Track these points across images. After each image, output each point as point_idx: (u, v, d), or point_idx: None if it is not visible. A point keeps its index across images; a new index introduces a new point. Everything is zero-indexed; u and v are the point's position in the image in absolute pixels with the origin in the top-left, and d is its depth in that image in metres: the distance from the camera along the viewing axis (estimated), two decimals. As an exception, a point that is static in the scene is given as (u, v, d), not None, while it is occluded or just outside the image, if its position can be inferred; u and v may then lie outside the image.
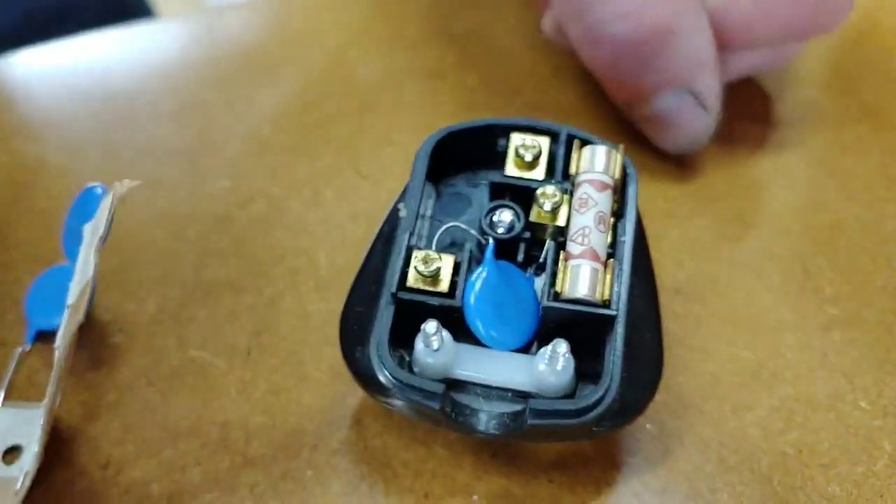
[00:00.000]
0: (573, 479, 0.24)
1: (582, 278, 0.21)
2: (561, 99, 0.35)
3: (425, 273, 0.22)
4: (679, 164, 0.33)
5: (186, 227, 0.30)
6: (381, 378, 0.22)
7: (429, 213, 0.25)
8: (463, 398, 0.22)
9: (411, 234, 0.23)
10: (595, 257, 0.22)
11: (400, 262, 0.22)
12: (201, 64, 0.36)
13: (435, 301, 0.22)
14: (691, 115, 0.30)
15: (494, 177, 0.24)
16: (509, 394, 0.22)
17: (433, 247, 0.24)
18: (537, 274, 0.24)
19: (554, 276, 0.22)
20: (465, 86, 0.35)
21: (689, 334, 0.28)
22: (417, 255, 0.22)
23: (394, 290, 0.22)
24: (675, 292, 0.29)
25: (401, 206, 0.24)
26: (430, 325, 0.21)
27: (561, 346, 0.21)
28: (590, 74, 0.32)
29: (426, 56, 0.36)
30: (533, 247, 0.24)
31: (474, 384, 0.22)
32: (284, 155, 0.32)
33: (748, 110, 0.35)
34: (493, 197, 0.25)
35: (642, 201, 0.31)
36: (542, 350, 0.21)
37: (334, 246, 0.29)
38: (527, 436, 0.22)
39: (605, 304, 0.22)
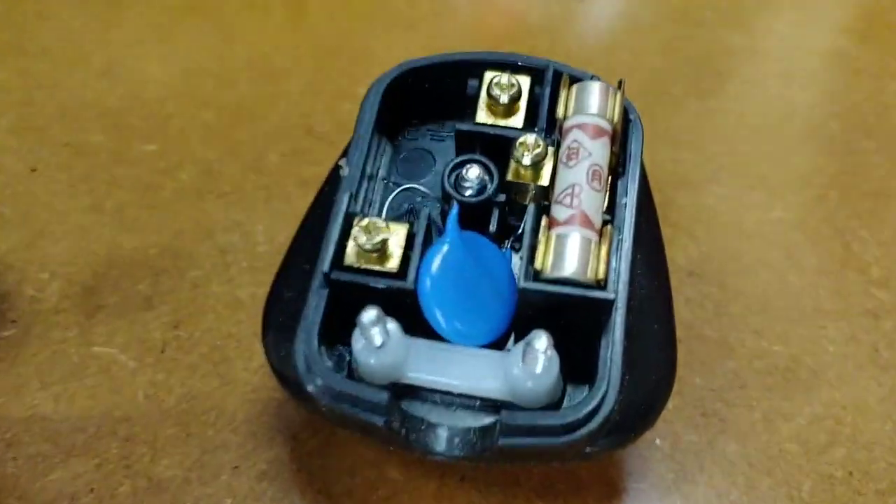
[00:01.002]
0: (563, 509, 0.19)
1: (570, 251, 0.16)
2: (555, 48, 0.30)
3: (368, 247, 0.17)
4: (694, 117, 0.28)
5: (104, 198, 0.25)
6: (309, 385, 0.16)
7: (382, 173, 0.20)
8: (417, 409, 0.17)
9: (352, 198, 0.18)
10: (587, 223, 0.17)
11: (336, 234, 0.17)
12: (136, 14, 0.30)
13: (381, 283, 0.17)
14: None
15: (463, 124, 0.19)
16: (477, 403, 0.17)
17: (383, 215, 0.19)
18: (516, 248, 0.19)
19: (534, 249, 0.17)
20: (441, 37, 0.30)
21: (705, 324, 0.22)
22: (359, 225, 0.17)
23: (326, 268, 0.17)
24: (687, 273, 0.24)
25: (342, 161, 0.19)
26: (369, 315, 0.16)
27: (540, 341, 0.15)
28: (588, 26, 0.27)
29: (397, 3, 0.31)
30: (511, 213, 0.19)
31: (432, 391, 0.17)
32: (225, 113, 0.27)
33: (780, 57, 0.30)
34: (460, 150, 0.19)
35: (646, 164, 0.26)
36: (517, 345, 0.16)
37: (276, 218, 0.24)
38: (500, 459, 0.17)
39: (600, 284, 0.16)
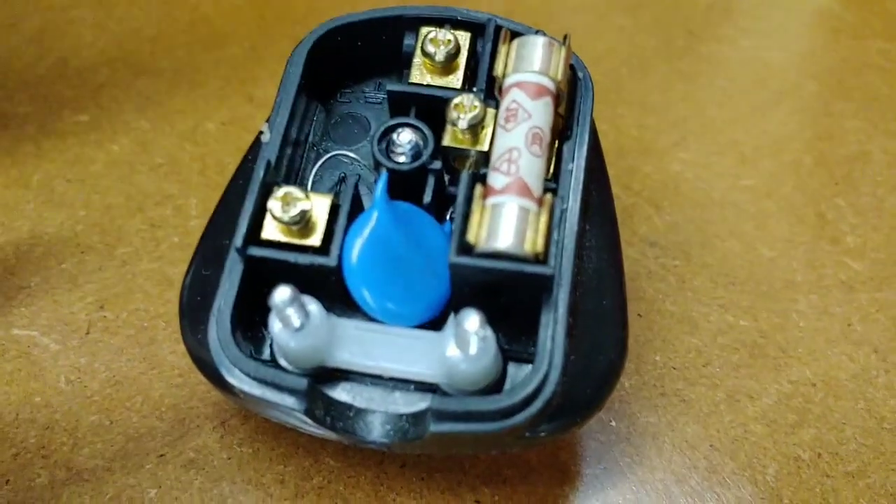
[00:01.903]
0: (509, 499, 0.18)
1: (505, 222, 0.15)
2: (516, 6, 0.28)
3: (285, 219, 0.15)
4: (662, 80, 0.26)
5: (31, 173, 0.23)
6: (223, 370, 0.15)
7: (312, 139, 0.18)
8: (345, 395, 0.16)
9: (270, 166, 0.16)
10: (525, 192, 0.15)
11: (251, 205, 0.16)
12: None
13: (301, 259, 0.16)
14: None
15: (395, 85, 0.18)
16: (411, 386, 0.16)
17: (310, 184, 0.18)
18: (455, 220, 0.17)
19: (466, 220, 0.15)
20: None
21: (667, 298, 0.21)
22: (275, 195, 0.16)
23: (240, 244, 0.15)
24: (649, 244, 0.22)
25: (264, 127, 0.17)
26: (281, 295, 0.14)
27: (470, 321, 0.14)
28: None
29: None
30: (451, 183, 0.17)
31: (362, 375, 0.16)
32: (160, 81, 0.25)
33: (756, 15, 0.28)
34: (394, 114, 0.18)
35: (608, 129, 0.24)
36: (448, 326, 0.15)
37: (211, 190, 0.23)
38: (434, 446, 0.16)
39: (539, 258, 0.15)
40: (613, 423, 0.19)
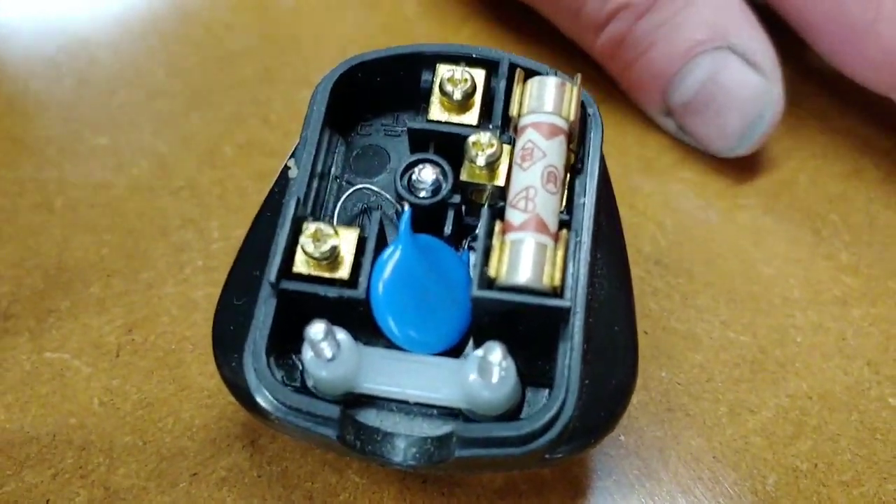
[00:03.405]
0: (526, 510, 0.19)
1: (524, 258, 0.16)
2: (520, 29, 0.29)
3: (316, 255, 0.16)
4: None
5: (53, 196, 0.24)
6: (259, 399, 0.16)
7: (335, 171, 0.19)
8: (373, 419, 0.17)
9: (300, 202, 0.17)
10: (542, 228, 0.16)
11: (283, 241, 0.17)
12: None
13: (331, 292, 0.16)
14: (740, 81, 0.23)
15: (415, 122, 0.18)
16: (435, 411, 0.17)
17: (335, 217, 0.19)
18: (474, 248, 0.18)
19: (487, 255, 0.16)
20: (401, 14, 0.29)
21: (672, 316, 0.22)
22: (306, 231, 0.16)
23: (273, 278, 0.16)
24: (654, 263, 0.23)
25: (291, 162, 0.18)
26: (316, 330, 0.15)
27: (494, 353, 0.15)
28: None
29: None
30: (468, 213, 0.18)
31: (388, 400, 0.17)
32: (176, 103, 0.26)
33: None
34: (413, 149, 0.19)
35: (612, 149, 0.25)
36: (473, 355, 0.16)
37: (231, 214, 0.23)
38: (458, 468, 0.17)
39: (556, 291, 0.16)
40: (622, 438, 0.20)
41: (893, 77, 0.22)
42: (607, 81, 0.26)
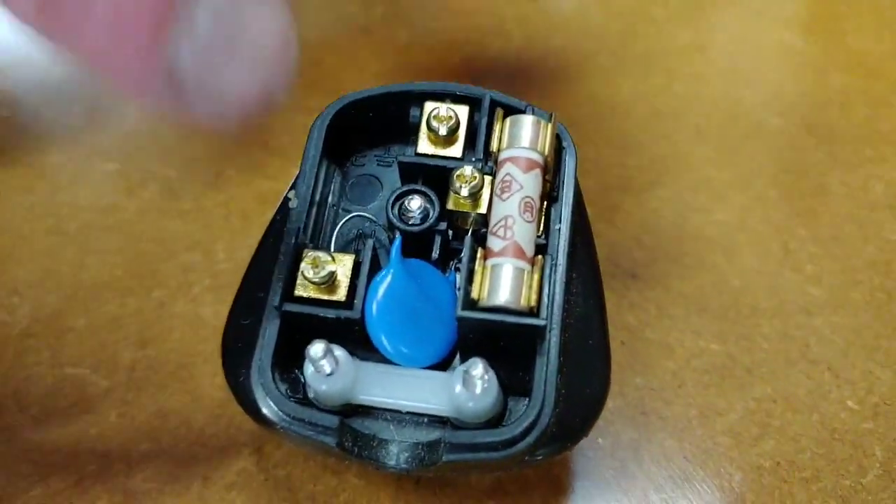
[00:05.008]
0: (511, 509, 0.21)
1: (503, 281, 0.17)
2: (508, 58, 0.30)
3: (315, 280, 0.18)
4: (641, 119, 0.29)
5: (67, 220, 0.26)
6: (266, 410, 0.18)
7: (331, 199, 0.21)
8: (369, 426, 0.18)
9: (300, 231, 0.19)
10: (520, 254, 0.18)
11: (285, 268, 0.18)
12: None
13: (329, 313, 0.18)
14: None
15: (404, 155, 0.20)
16: (425, 419, 0.18)
17: (332, 242, 0.20)
18: (459, 270, 0.20)
19: (470, 278, 0.18)
20: (394, 42, 0.30)
21: (648, 326, 0.24)
22: (306, 258, 0.18)
23: (276, 302, 0.18)
24: (631, 277, 0.25)
25: (291, 193, 0.20)
26: (316, 349, 0.17)
27: (477, 369, 0.17)
28: (539, 27, 0.27)
29: (349, 6, 0.31)
30: (454, 237, 0.20)
31: (382, 409, 0.18)
32: (181, 129, 0.28)
33: (726, 53, 0.31)
34: (404, 180, 0.20)
35: (593, 168, 0.27)
36: (458, 369, 0.18)
37: (235, 235, 0.25)
38: (446, 470, 0.18)
39: (533, 311, 0.18)
40: (600, 441, 0.22)
41: None
42: (588, 107, 0.28)
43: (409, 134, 0.21)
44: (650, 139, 0.28)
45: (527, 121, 0.19)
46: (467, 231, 0.19)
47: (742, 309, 0.24)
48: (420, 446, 0.18)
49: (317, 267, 0.18)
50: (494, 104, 0.20)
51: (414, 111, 0.21)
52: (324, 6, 0.32)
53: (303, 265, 0.18)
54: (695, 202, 0.27)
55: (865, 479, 0.21)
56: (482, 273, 0.18)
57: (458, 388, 0.17)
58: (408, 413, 0.18)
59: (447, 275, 0.20)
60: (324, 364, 0.17)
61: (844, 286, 0.25)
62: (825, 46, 0.31)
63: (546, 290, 0.18)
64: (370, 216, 0.20)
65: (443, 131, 0.20)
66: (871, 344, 0.24)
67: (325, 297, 0.18)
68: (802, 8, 0.33)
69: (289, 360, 0.19)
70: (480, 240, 0.19)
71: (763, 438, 0.22)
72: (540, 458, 0.18)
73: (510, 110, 0.20)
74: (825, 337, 0.24)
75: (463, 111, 0.20)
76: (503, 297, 0.17)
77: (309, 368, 0.17)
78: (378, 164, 0.22)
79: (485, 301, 0.17)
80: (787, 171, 0.28)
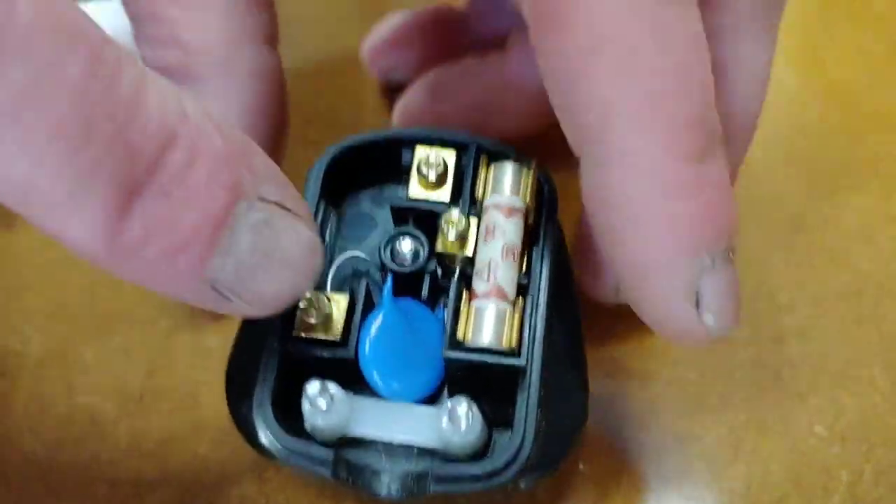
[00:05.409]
0: (497, 532, 0.22)
1: (486, 323, 0.19)
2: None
3: (312, 321, 0.19)
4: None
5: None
6: (265, 442, 0.19)
7: (328, 240, 0.22)
8: (362, 457, 0.20)
9: (298, 274, 0.20)
10: (502, 295, 0.19)
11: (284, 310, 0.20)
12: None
13: (325, 353, 0.19)
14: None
15: (396, 199, 0.21)
16: (414, 451, 0.20)
17: (329, 281, 0.21)
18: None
19: (456, 319, 0.19)
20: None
21: (628, 357, 0.25)
22: (304, 299, 0.19)
23: (276, 343, 0.19)
24: (615, 316, 0.26)
25: (290, 237, 0.21)
26: (313, 387, 0.18)
27: (461, 407, 0.18)
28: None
29: (347, 38, 0.33)
30: (442, 276, 0.21)
31: (375, 441, 0.20)
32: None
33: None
34: (396, 222, 0.22)
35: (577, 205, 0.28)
36: (445, 405, 0.19)
37: (238, 269, 0.26)
38: (435, 500, 0.20)
39: (514, 351, 0.19)
40: (581, 467, 0.23)
41: None
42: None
43: (402, 174, 0.22)
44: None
45: (508, 168, 0.20)
46: (454, 271, 0.21)
47: (716, 339, 0.26)
48: (409, 476, 0.19)
49: (314, 309, 0.19)
50: (480, 150, 0.21)
51: (406, 154, 0.22)
52: (321, 37, 0.33)
53: (301, 306, 0.19)
54: (675, 233, 0.28)
55: (831, 502, 0.23)
56: (467, 314, 0.19)
57: (445, 422, 0.19)
58: (398, 445, 0.20)
59: (436, 312, 0.21)
60: (320, 401, 0.19)
61: (815, 315, 0.26)
62: (806, 78, 0.32)
63: (527, 330, 0.19)
64: (364, 256, 0.22)
65: (432, 177, 0.21)
66: (839, 371, 0.25)
67: (322, 337, 0.20)
68: (783, 38, 0.34)
69: (288, 393, 0.20)
70: (465, 282, 0.20)
71: (735, 462, 0.23)
72: (524, 486, 0.20)
73: (495, 155, 0.21)
74: (796, 365, 0.25)
75: (451, 155, 0.21)
76: (486, 338, 0.19)
77: (306, 405, 0.19)
78: (372, 204, 0.23)
79: (469, 341, 0.19)
80: (764, 200, 0.29)
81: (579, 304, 0.22)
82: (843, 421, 0.24)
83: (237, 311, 0.17)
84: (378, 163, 0.22)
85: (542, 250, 0.20)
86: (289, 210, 0.17)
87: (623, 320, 0.26)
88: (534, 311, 0.20)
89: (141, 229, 0.15)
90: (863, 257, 0.28)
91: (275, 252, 0.17)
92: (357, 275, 0.22)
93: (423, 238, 0.21)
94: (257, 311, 0.17)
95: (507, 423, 0.20)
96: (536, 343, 0.19)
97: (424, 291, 0.21)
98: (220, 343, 0.25)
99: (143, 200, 0.15)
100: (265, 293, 0.17)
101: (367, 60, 0.31)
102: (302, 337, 0.20)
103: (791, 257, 0.27)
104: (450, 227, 0.20)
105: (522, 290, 0.20)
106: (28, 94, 0.13)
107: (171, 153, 0.15)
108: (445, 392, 0.20)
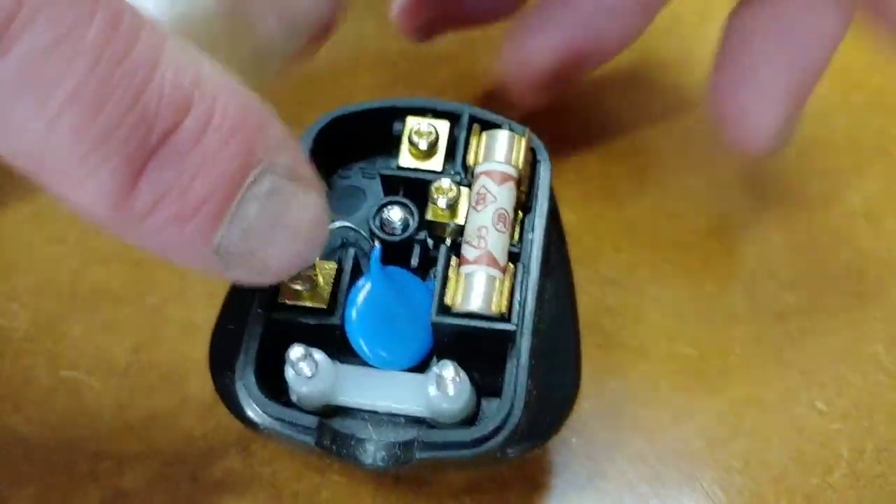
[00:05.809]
0: (488, 507, 0.22)
1: (476, 288, 0.18)
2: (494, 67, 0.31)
3: (298, 288, 0.19)
4: (624, 138, 0.29)
5: (67, 229, 0.27)
6: (249, 412, 0.19)
7: (317, 209, 0.22)
8: (348, 426, 0.19)
9: (284, 240, 0.20)
10: (493, 262, 0.19)
11: (269, 275, 0.19)
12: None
13: (311, 320, 0.19)
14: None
15: (386, 168, 0.21)
16: (402, 419, 0.19)
17: (316, 251, 0.21)
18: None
19: (445, 285, 0.19)
20: (385, 56, 0.31)
21: (624, 330, 0.25)
22: (292, 265, 0.19)
23: (260, 308, 0.19)
24: (610, 283, 0.26)
25: (277, 204, 0.20)
26: (296, 352, 0.18)
27: (447, 371, 0.18)
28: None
29: (342, 21, 0.32)
30: (434, 247, 0.21)
31: (361, 410, 0.19)
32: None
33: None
34: (386, 191, 0.21)
35: (575, 178, 0.28)
36: (432, 372, 0.18)
37: (228, 244, 0.26)
38: (421, 468, 0.19)
39: (504, 316, 0.18)
40: (574, 441, 0.22)
41: None
42: (574, 118, 0.29)
43: (393, 146, 0.22)
44: (631, 146, 0.29)
45: (502, 136, 0.20)
46: (445, 240, 0.20)
47: (716, 314, 0.25)
48: (396, 445, 0.19)
49: (300, 276, 0.19)
50: (473, 119, 0.21)
51: (397, 125, 0.21)
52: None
53: (286, 273, 0.19)
54: (674, 209, 0.27)
55: (832, 477, 0.22)
56: (456, 280, 0.19)
57: (433, 389, 0.18)
58: (385, 414, 0.19)
59: (426, 282, 0.21)
60: (304, 367, 0.18)
61: (817, 292, 0.26)
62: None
63: (517, 297, 0.19)
64: (353, 226, 0.21)
65: (423, 146, 0.21)
66: (842, 349, 0.24)
67: (308, 304, 0.19)
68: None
69: (273, 363, 0.20)
70: (454, 250, 0.19)
71: (734, 439, 0.23)
72: (512, 455, 0.19)
73: (488, 125, 0.21)
74: (797, 342, 0.25)
75: (444, 126, 0.21)
76: (475, 303, 0.18)
77: (290, 371, 0.18)
78: (363, 176, 0.22)
79: (458, 307, 0.18)
80: (766, 178, 0.28)
81: (572, 274, 0.21)
82: (844, 397, 0.23)
83: (242, 279, 0.17)
84: (368, 134, 0.22)
85: (535, 219, 0.20)
86: (300, 180, 0.17)
87: (617, 291, 0.25)
88: (525, 278, 0.19)
89: (151, 195, 0.15)
90: (866, 235, 0.27)
91: (284, 221, 0.16)
92: (346, 245, 0.21)
93: (412, 206, 0.20)
94: (262, 279, 0.17)
95: (497, 393, 0.19)
96: (527, 309, 0.19)
97: (414, 261, 0.20)
98: (207, 319, 0.24)
99: (155, 166, 0.15)
100: (271, 262, 0.17)
101: (399, 19, 0.29)
102: (287, 304, 0.19)
103: (792, 235, 0.27)
104: (440, 195, 0.20)
105: (514, 258, 0.19)
106: (46, 56, 0.13)
107: (185, 120, 0.15)
108: (434, 361, 0.20)
